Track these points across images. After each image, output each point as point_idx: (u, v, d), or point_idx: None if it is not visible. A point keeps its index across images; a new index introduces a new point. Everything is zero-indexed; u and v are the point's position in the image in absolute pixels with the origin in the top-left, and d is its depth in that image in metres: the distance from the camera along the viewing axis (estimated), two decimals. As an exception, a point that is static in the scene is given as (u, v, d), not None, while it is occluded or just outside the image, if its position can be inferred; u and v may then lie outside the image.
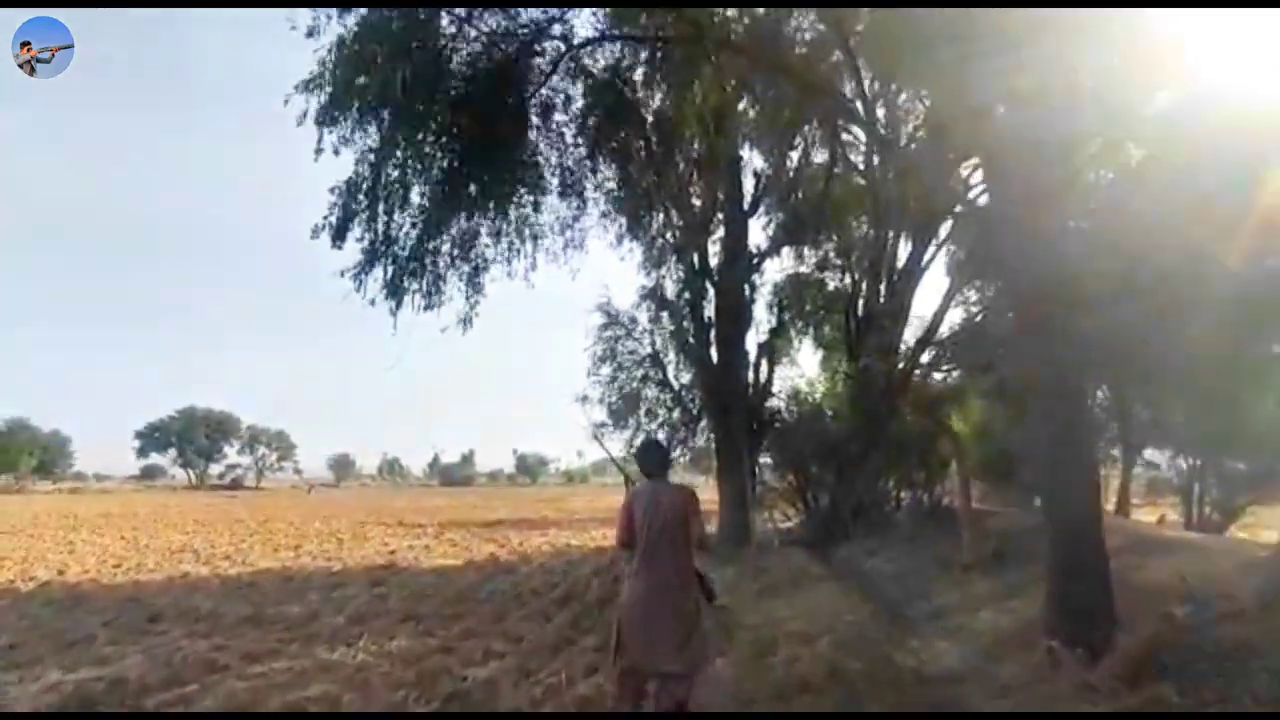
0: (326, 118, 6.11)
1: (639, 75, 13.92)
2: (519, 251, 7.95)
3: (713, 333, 13.72)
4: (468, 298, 7.35)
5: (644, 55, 13.76)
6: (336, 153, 6.22)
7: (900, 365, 13.53)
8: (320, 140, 6.11)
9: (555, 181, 8.48)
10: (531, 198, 7.93)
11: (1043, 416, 4.99)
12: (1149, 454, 20.98)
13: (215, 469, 77.88)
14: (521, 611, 7.78)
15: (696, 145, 13.65)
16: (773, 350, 14.46)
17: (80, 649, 6.23)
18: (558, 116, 8.36)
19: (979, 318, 13.96)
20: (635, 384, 14.02)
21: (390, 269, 6.64)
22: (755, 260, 13.98)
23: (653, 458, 3.96)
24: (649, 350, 13.97)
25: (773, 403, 14.23)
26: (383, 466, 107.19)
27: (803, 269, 15.05)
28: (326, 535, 17.71)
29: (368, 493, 62.94)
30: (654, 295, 14.34)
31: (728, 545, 12.69)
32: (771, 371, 14.38)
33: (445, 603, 8.29)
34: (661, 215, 14.29)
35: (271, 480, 79.37)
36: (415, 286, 6.80)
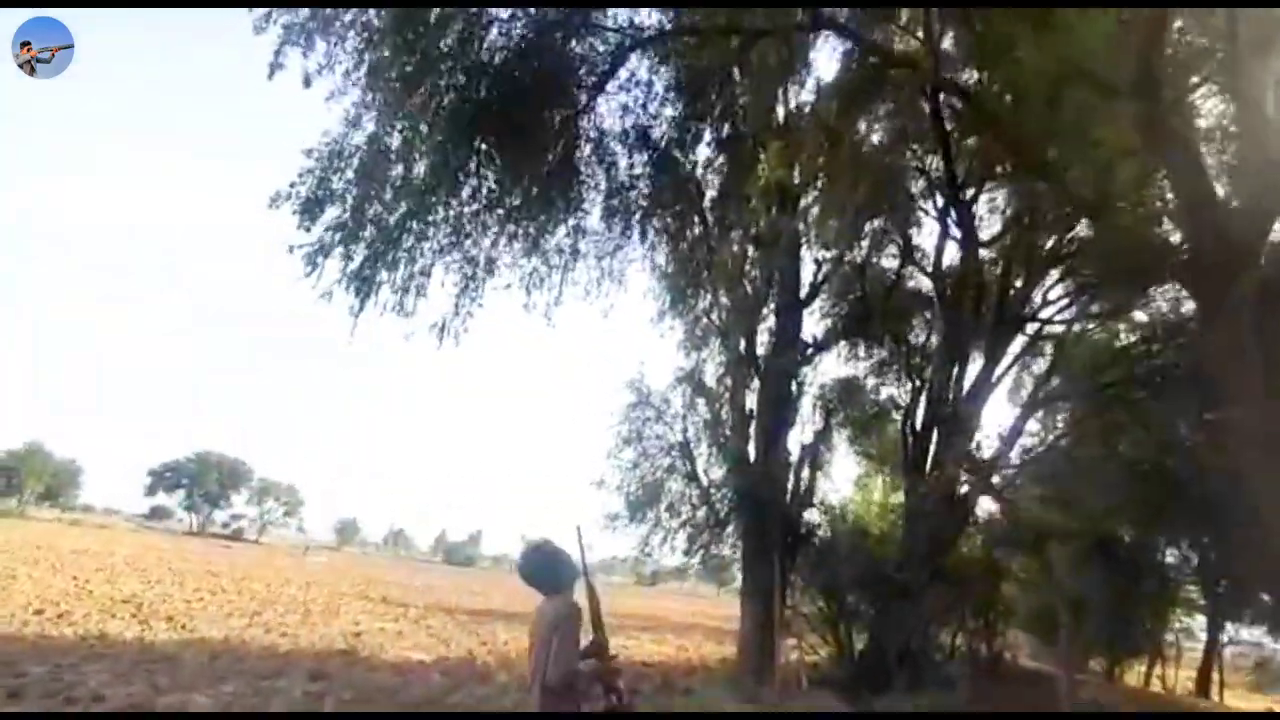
0: (299, 34, 4.96)
1: (702, 155, 13.18)
2: (542, 280, 6.65)
3: (752, 428, 12.16)
4: (457, 305, 5.95)
5: (710, 128, 13.10)
6: (308, 83, 5.06)
7: (964, 491, 11.73)
8: (280, 53, 4.91)
9: (598, 198, 7.15)
10: (568, 215, 6.67)
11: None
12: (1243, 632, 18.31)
13: (220, 516, 76.22)
14: (481, 746, 5.97)
15: (757, 224, 12.67)
16: (816, 455, 12.77)
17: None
18: (610, 124, 7.11)
19: (1056, 442, 12.28)
20: (660, 474, 12.37)
21: (363, 253, 5.27)
22: (809, 352, 12.55)
23: (531, 569, 3.07)
24: (679, 438, 12.38)
25: (811, 515, 12.40)
26: (388, 537, 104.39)
27: (857, 370, 13.58)
28: (295, 604, 15.87)
29: (366, 561, 60.24)
30: (691, 379, 12.92)
31: (747, 679, 10.65)
32: (814, 479, 12.63)
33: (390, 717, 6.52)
34: (709, 296, 13.14)
35: (274, 536, 77.12)
36: (388, 279, 5.40)
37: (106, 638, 9.00)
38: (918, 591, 10.97)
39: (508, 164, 5.48)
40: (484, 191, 5.67)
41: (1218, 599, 15.55)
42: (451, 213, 5.77)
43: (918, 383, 13.08)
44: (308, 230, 5.08)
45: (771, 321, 13.03)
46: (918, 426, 12.60)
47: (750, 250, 12.95)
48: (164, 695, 6.36)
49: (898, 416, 13.44)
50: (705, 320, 13.22)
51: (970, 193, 12.07)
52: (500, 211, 5.99)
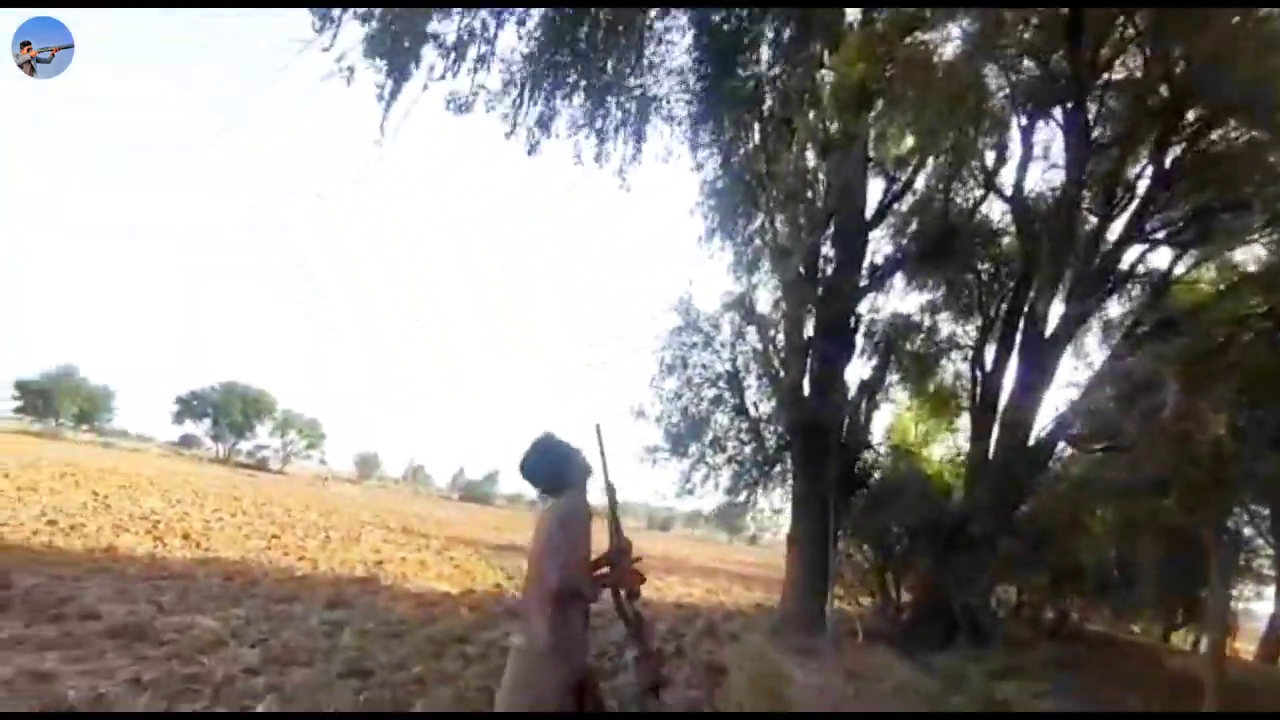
0: None
1: (765, 52, 12.01)
2: (614, 128, 5.55)
3: (808, 359, 11.10)
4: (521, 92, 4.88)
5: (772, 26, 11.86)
6: None
7: (1038, 440, 10.65)
8: None
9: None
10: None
11: None
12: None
13: (245, 446, 77.32)
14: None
15: (824, 132, 11.36)
16: (874, 392, 11.75)
17: None
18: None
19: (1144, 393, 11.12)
20: (705, 405, 11.43)
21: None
22: (879, 277, 11.40)
23: (533, 465, 2.71)
24: (728, 367, 11.38)
25: (868, 456, 11.45)
26: (407, 472, 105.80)
27: (922, 301, 12.44)
28: (315, 529, 15.40)
29: (386, 494, 60.83)
30: (741, 305, 11.85)
31: (792, 627, 9.89)
32: (870, 418, 11.65)
33: (416, 652, 5.75)
34: (764, 214, 11.95)
35: (296, 467, 78.22)
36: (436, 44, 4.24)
37: (115, 551, 8.39)
38: (984, 544, 10.08)
39: None
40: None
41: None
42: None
43: (990, 318, 11.91)
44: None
45: (831, 245, 11.88)
46: (987, 366, 11.52)
47: (813, 162, 11.65)
48: (167, 615, 5.66)
49: (965, 354, 12.38)
50: (758, 241, 12.04)
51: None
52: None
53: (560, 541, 2.46)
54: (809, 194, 11.46)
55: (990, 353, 11.65)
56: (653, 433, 11.72)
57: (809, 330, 11.16)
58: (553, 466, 2.68)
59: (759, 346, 11.62)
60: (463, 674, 5.36)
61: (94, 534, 9.47)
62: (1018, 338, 11.17)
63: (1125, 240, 10.70)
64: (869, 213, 11.70)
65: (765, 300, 11.99)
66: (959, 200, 12.00)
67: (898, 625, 10.98)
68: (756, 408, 11.39)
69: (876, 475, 11.34)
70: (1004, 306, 11.65)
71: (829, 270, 11.51)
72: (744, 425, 11.30)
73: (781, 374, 11.27)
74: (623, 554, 2.71)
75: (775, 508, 11.75)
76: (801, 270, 11.18)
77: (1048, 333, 10.80)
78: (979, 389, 11.43)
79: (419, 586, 9.60)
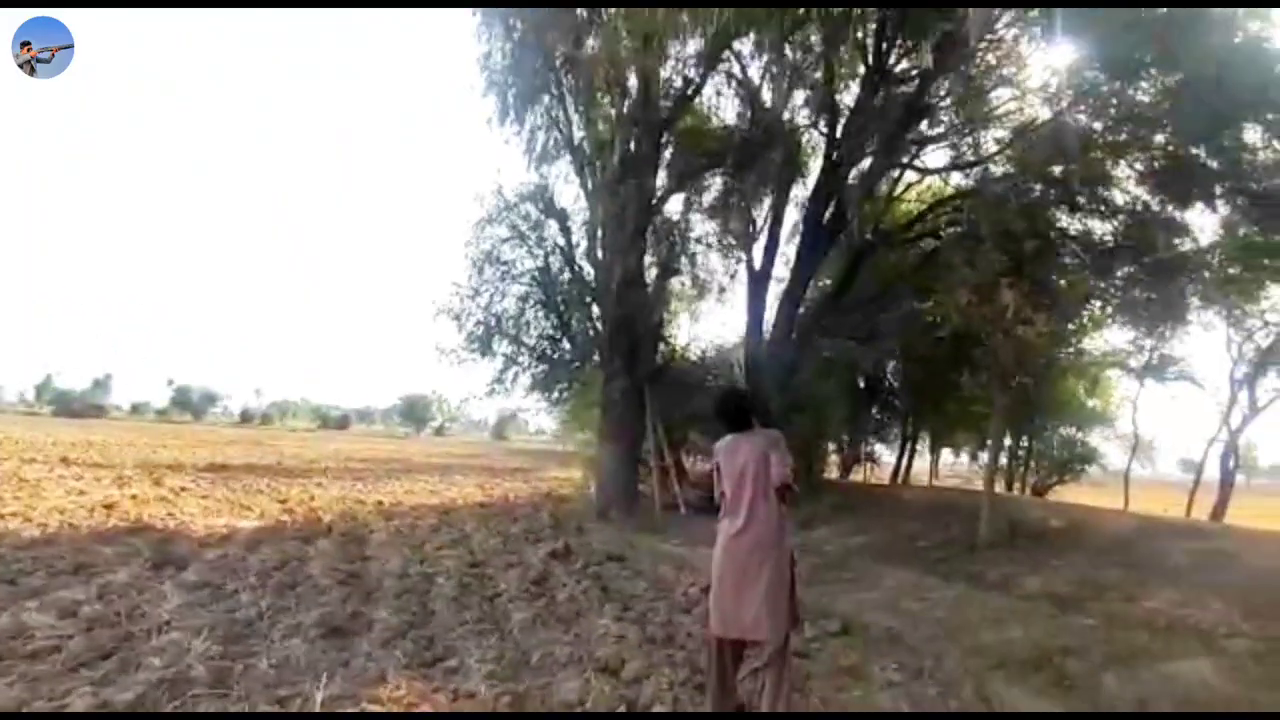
0: None
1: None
2: None
3: (612, 256, 11.27)
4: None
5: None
6: None
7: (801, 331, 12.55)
8: None
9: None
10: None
11: None
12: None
13: None
14: (595, 626, 4.81)
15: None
16: (664, 289, 12.51)
17: None
18: None
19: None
20: (516, 303, 10.94)
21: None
22: (679, 178, 11.83)
23: (732, 412, 3.62)
24: (539, 263, 10.96)
25: (664, 350, 12.29)
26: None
27: (704, 201, 13.35)
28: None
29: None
30: (540, 197, 11.36)
31: (619, 512, 10.56)
32: (662, 314, 12.43)
33: (403, 592, 4.92)
34: (560, 99, 11.39)
35: None
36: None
37: None
38: (777, 420, 11.75)
39: None
40: None
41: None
42: None
43: (755, 222, 13.33)
44: None
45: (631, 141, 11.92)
46: (756, 265, 12.99)
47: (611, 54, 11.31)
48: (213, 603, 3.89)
49: (735, 254, 13.75)
50: (558, 132, 11.51)
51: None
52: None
53: (783, 453, 3.32)
54: (609, 88, 11.19)
55: (759, 252, 13.15)
56: (450, 334, 10.97)
57: (614, 228, 11.27)
58: (746, 410, 3.54)
59: (561, 242, 11.41)
60: (442, 616, 4.79)
61: None
62: (779, 243, 12.89)
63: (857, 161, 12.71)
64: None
65: (569, 194, 11.71)
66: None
67: (693, 497, 12.39)
68: (565, 304, 11.29)
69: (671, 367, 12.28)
70: (770, 213, 13.15)
71: (630, 164, 11.63)
72: (553, 323, 11.15)
73: (586, 270, 11.30)
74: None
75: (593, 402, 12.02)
76: (610, 166, 11.11)
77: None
78: (751, 285, 12.86)
79: (214, 526, 7.88)
